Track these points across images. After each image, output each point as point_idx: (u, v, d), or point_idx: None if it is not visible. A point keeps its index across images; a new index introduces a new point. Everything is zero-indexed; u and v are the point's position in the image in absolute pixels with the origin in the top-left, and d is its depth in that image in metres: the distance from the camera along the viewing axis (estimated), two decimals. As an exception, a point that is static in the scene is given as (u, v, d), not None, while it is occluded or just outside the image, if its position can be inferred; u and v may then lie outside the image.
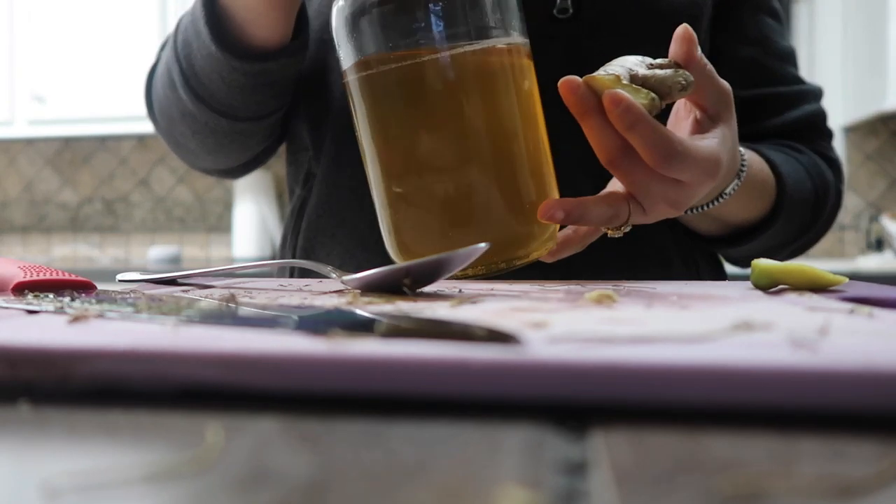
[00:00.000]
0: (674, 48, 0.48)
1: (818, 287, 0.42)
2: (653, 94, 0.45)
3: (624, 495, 0.15)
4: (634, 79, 0.46)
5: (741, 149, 0.58)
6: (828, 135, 0.77)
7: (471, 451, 0.17)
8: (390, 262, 0.59)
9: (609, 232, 0.51)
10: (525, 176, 0.50)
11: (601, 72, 0.46)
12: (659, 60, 0.47)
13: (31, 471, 0.17)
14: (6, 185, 2.84)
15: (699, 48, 0.48)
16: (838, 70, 2.29)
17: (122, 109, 2.35)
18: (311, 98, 0.72)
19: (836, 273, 0.43)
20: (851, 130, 2.37)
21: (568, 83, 0.45)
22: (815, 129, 0.75)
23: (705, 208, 0.57)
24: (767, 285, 0.44)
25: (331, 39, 0.69)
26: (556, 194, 0.52)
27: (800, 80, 0.76)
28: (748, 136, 0.72)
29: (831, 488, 0.15)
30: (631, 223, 0.50)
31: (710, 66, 0.48)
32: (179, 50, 0.66)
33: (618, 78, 0.45)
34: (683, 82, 0.46)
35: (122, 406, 0.21)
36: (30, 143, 2.79)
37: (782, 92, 0.74)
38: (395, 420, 0.20)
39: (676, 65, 0.47)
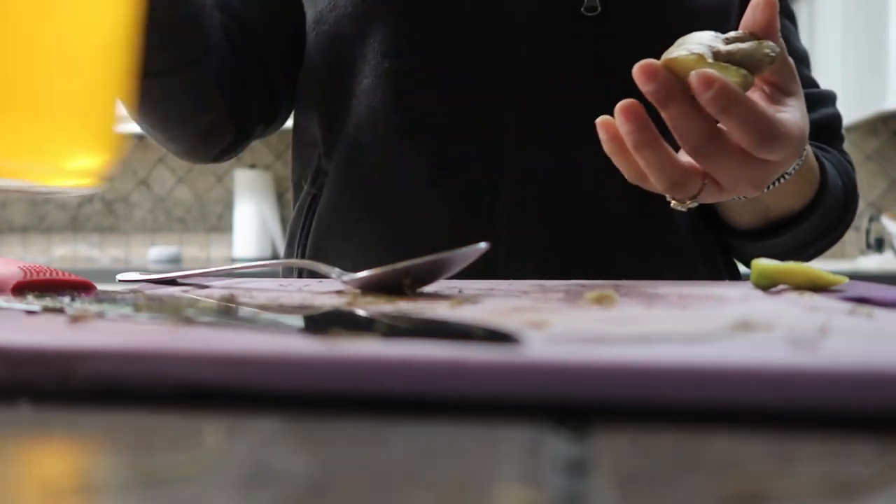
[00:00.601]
0: (754, 16, 0.45)
1: (818, 287, 0.42)
2: (744, 71, 0.42)
3: (624, 495, 0.15)
4: (718, 55, 0.42)
5: None
6: (842, 138, 0.77)
7: (471, 451, 0.17)
8: None
9: (673, 202, 0.48)
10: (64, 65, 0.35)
11: (678, 52, 0.43)
12: (732, 34, 0.44)
13: (31, 471, 0.17)
14: (6, 185, 2.84)
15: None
16: (838, 70, 2.29)
17: (122, 109, 2.35)
18: (327, 95, 0.71)
19: (836, 273, 0.43)
20: (851, 130, 2.37)
21: (646, 67, 0.42)
22: (832, 133, 0.74)
23: (769, 189, 0.55)
24: (767, 285, 0.44)
25: (349, 34, 0.68)
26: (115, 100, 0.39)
27: (815, 84, 0.75)
28: None
29: (831, 488, 0.15)
30: (701, 200, 0.47)
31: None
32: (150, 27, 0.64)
33: (701, 57, 0.42)
34: (772, 54, 0.42)
35: (122, 406, 0.21)
36: (30, 143, 2.78)
37: None
38: (395, 420, 0.20)
39: (753, 35, 0.44)
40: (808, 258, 0.74)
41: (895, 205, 2.41)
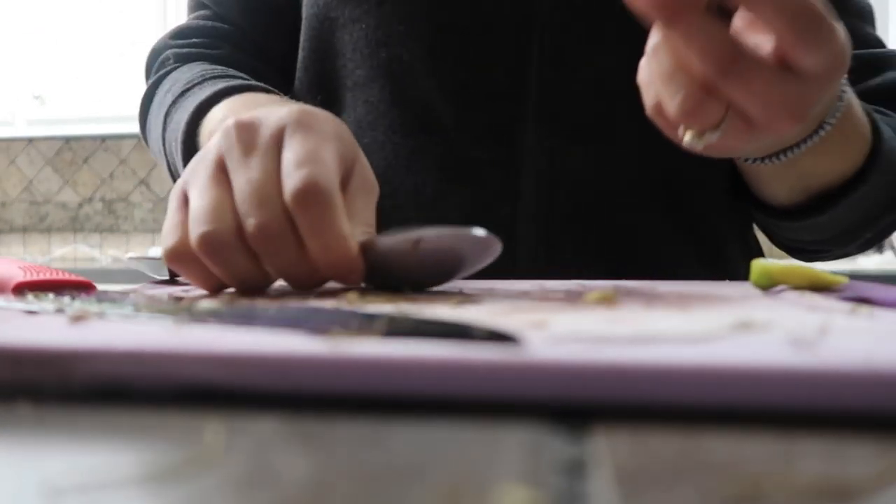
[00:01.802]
0: None
1: (818, 287, 0.42)
2: None
3: (624, 495, 0.15)
4: None
5: None
6: None
7: (471, 451, 0.17)
8: None
9: (687, 137, 0.40)
10: None
11: None
12: None
13: (31, 471, 0.17)
14: (6, 185, 2.84)
15: None
16: (838, 70, 2.28)
17: (122, 109, 2.35)
18: (319, 88, 0.65)
19: (836, 273, 0.43)
20: (851, 130, 2.36)
21: None
22: None
23: (809, 142, 0.47)
24: (767, 285, 0.44)
25: (338, 17, 0.60)
26: None
27: (880, 43, 0.65)
28: None
29: (831, 488, 0.15)
30: (724, 132, 0.39)
31: None
32: (171, 165, 0.62)
33: None
34: None
35: (122, 406, 0.21)
36: (30, 143, 2.79)
37: (861, 55, 0.60)
38: (395, 420, 0.20)
39: None
40: (867, 244, 0.63)
41: (895, 205, 2.41)
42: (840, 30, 0.37)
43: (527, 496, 0.14)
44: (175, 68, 0.67)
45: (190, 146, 0.55)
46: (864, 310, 0.32)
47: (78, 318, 0.29)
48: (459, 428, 0.19)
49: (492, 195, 0.59)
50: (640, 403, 0.20)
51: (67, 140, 2.74)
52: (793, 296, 0.40)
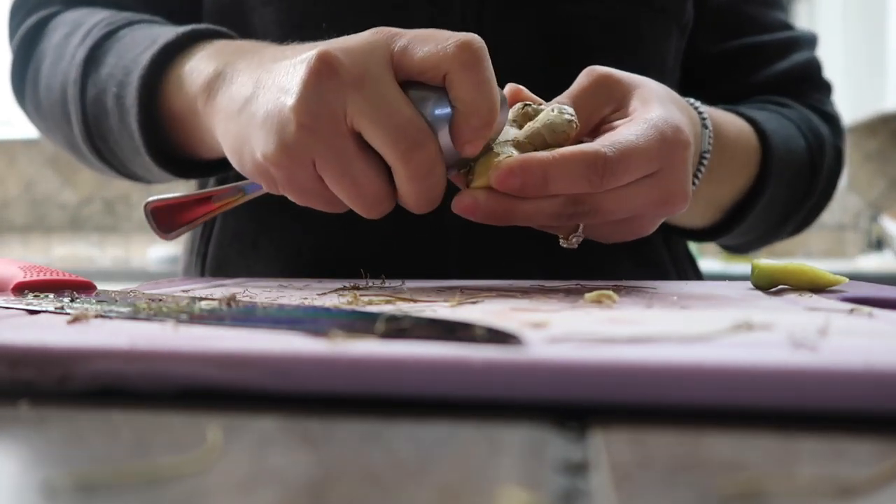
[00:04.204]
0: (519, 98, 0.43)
1: (818, 287, 0.42)
2: (537, 127, 0.40)
3: (624, 495, 0.15)
4: (519, 145, 0.40)
5: (690, 99, 0.50)
6: (825, 87, 0.68)
7: (471, 451, 0.17)
8: (330, 275, 0.54)
9: (563, 241, 0.43)
10: None
11: (476, 173, 0.40)
12: (521, 110, 0.42)
13: (31, 471, 0.17)
14: (6, 185, 2.84)
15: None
16: (838, 70, 2.29)
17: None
18: None
19: (836, 273, 0.43)
20: (851, 130, 2.37)
21: (466, 206, 0.39)
22: (807, 81, 0.66)
23: (697, 182, 0.49)
24: (767, 285, 0.44)
25: (248, 0, 0.55)
26: None
27: (787, 27, 0.66)
28: (730, 97, 0.63)
29: (831, 488, 0.15)
30: (587, 235, 0.43)
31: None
32: (90, 118, 0.55)
33: (492, 154, 0.39)
34: (570, 116, 0.40)
35: (122, 406, 0.21)
36: (30, 143, 2.79)
37: (766, 41, 0.64)
38: (395, 420, 0.20)
39: (535, 109, 0.42)
40: (797, 229, 0.67)
41: (895, 205, 2.41)
42: (640, 134, 0.39)
43: (527, 496, 0.14)
44: (60, 11, 0.62)
45: (151, 89, 0.50)
46: (864, 310, 0.32)
47: (78, 318, 0.29)
48: (459, 428, 0.19)
49: None
50: (639, 403, 0.20)
51: (67, 140, 2.75)
52: (793, 296, 0.40)
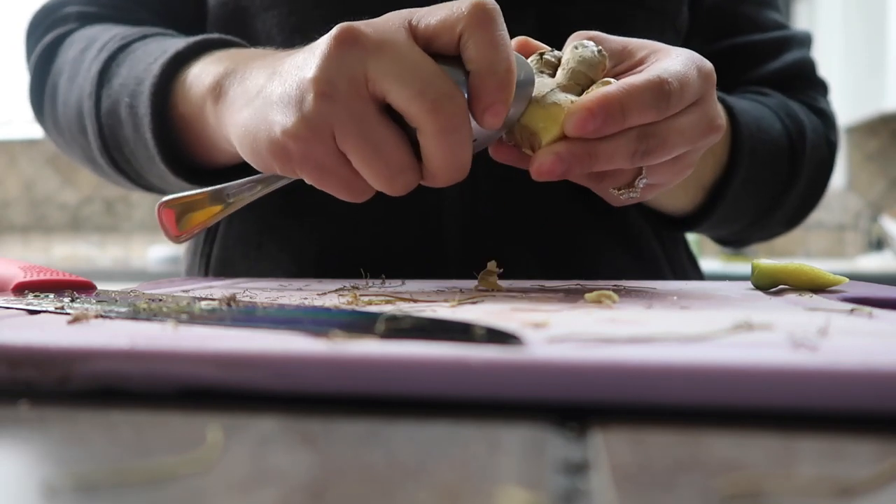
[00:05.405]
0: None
1: (818, 287, 0.42)
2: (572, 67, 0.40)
3: (624, 495, 0.15)
4: (565, 88, 0.40)
5: None
6: (819, 85, 0.67)
7: (471, 451, 0.17)
8: (333, 275, 0.54)
9: (625, 192, 0.43)
10: None
11: (528, 117, 0.40)
12: (546, 56, 0.42)
13: (31, 471, 0.17)
14: (6, 185, 2.84)
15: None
16: (838, 70, 2.29)
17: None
18: None
19: (836, 273, 0.43)
20: (851, 130, 2.37)
21: (549, 167, 0.38)
22: (800, 79, 0.66)
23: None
24: (767, 285, 0.44)
25: (250, 7, 0.57)
26: None
27: (781, 26, 0.67)
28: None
29: (831, 488, 0.15)
30: (644, 186, 0.43)
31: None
32: (105, 129, 0.56)
33: (549, 107, 0.39)
34: (596, 48, 0.40)
35: (122, 406, 0.21)
36: (30, 143, 2.79)
37: (760, 40, 0.65)
38: (395, 420, 0.20)
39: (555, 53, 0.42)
40: (790, 223, 0.67)
41: (895, 205, 2.41)
42: (665, 64, 0.40)
43: (527, 496, 0.14)
44: (77, 28, 0.63)
45: (162, 97, 0.51)
46: (864, 310, 0.32)
47: (78, 318, 0.29)
48: (459, 428, 0.19)
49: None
50: (639, 403, 0.20)
51: (67, 140, 2.75)
52: (793, 296, 0.40)
